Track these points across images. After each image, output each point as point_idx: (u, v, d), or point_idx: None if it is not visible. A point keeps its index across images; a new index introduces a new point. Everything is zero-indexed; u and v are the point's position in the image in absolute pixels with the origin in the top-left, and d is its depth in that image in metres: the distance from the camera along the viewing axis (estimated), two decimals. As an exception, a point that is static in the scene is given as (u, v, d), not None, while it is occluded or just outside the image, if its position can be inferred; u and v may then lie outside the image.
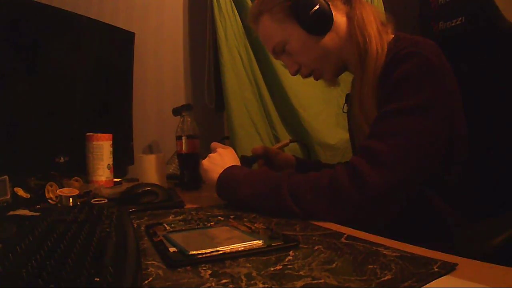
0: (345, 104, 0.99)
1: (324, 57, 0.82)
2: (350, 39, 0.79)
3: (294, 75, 0.89)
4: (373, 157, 0.63)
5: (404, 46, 0.69)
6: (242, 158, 1.01)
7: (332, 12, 0.79)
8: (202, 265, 0.40)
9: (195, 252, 0.43)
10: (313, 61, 0.84)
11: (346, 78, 0.91)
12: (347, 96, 0.98)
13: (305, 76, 0.88)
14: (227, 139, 1.56)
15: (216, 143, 0.90)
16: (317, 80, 0.90)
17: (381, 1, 1.87)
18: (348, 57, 0.82)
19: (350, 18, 0.79)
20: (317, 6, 0.77)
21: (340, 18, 0.80)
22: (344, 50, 0.82)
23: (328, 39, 0.80)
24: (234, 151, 0.87)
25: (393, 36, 0.77)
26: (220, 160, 0.82)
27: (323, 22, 0.79)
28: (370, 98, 0.72)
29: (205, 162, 0.83)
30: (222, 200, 0.79)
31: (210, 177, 0.81)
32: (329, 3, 0.79)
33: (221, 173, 0.78)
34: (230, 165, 0.80)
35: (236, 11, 1.62)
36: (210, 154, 0.85)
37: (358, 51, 0.75)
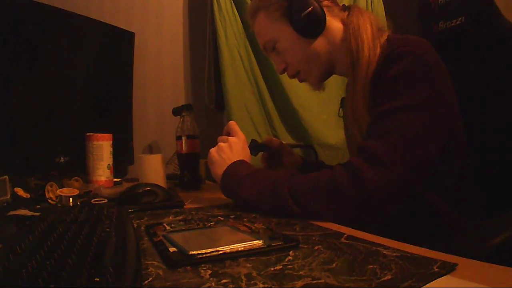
0: (341, 108, 0.99)
1: (311, 59, 0.83)
2: (343, 44, 0.80)
3: (281, 74, 0.91)
4: (370, 156, 0.63)
5: (397, 46, 0.70)
6: (252, 142, 1.01)
7: (327, 17, 0.80)
8: (202, 265, 0.40)
9: (195, 252, 0.43)
10: (299, 62, 0.85)
11: (344, 81, 0.91)
12: (342, 100, 0.99)
13: (292, 76, 0.89)
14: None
15: (234, 125, 0.87)
16: (301, 82, 0.91)
17: (381, 1, 1.88)
18: (338, 62, 0.84)
19: (346, 25, 0.80)
20: (310, 9, 0.78)
21: (335, 24, 0.82)
22: (334, 55, 0.83)
23: (318, 43, 0.82)
24: (245, 140, 0.85)
25: (386, 37, 0.77)
26: (229, 152, 0.81)
27: (314, 25, 0.80)
28: (361, 103, 0.73)
29: (214, 153, 0.82)
30: (225, 196, 0.79)
31: (215, 171, 0.81)
32: (324, 8, 0.80)
33: (225, 170, 0.78)
34: (237, 159, 0.79)
35: (236, 11, 1.62)
36: (220, 144, 0.83)
37: (350, 57, 0.76)
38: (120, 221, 0.54)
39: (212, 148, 0.84)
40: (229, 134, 0.87)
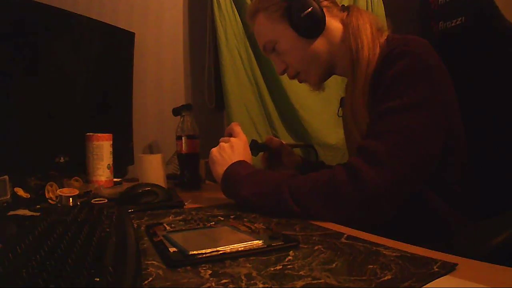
0: (340, 108, 0.99)
1: (311, 60, 0.84)
2: (342, 45, 0.80)
3: (281, 75, 0.91)
4: (370, 156, 0.63)
5: (396, 46, 0.70)
6: (252, 142, 1.02)
7: (326, 17, 0.80)
8: (202, 265, 0.40)
9: (195, 252, 0.43)
10: (299, 63, 0.85)
11: (344, 81, 0.91)
12: (342, 100, 0.99)
13: (292, 77, 0.90)
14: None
15: (236, 126, 0.88)
16: (301, 82, 0.91)
17: (381, 1, 1.88)
18: (338, 62, 0.84)
19: (345, 25, 0.80)
20: (309, 10, 0.78)
21: (334, 24, 0.82)
22: (334, 55, 0.83)
23: (318, 43, 0.82)
24: (246, 141, 0.86)
25: (386, 37, 0.77)
26: (231, 152, 0.81)
27: (314, 25, 0.80)
28: (360, 103, 0.73)
29: (215, 152, 0.83)
30: (225, 196, 0.79)
31: (216, 171, 0.81)
32: (323, 8, 0.80)
33: (226, 169, 0.78)
34: (238, 160, 0.80)
35: (236, 11, 1.62)
36: (222, 144, 0.84)
37: (350, 58, 0.76)
38: (120, 221, 0.54)
39: (214, 148, 0.84)
40: (231, 135, 0.87)
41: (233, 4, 1.61)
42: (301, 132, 1.70)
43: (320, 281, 0.35)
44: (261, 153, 1.08)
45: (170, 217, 0.68)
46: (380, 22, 0.80)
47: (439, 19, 0.93)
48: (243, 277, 0.36)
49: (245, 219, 0.63)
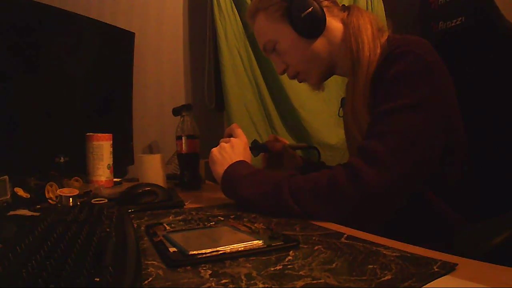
0: (341, 108, 0.99)
1: (311, 60, 0.84)
2: (343, 45, 0.80)
3: (281, 75, 0.91)
4: (370, 156, 0.63)
5: (397, 46, 0.70)
6: (254, 142, 1.01)
7: (326, 17, 0.80)
8: (202, 265, 0.40)
9: (195, 252, 0.43)
10: (299, 63, 0.86)
11: (344, 81, 0.92)
12: (342, 100, 0.99)
13: (292, 77, 0.90)
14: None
15: (237, 127, 0.88)
16: (300, 82, 0.91)
17: (381, 1, 1.88)
18: (338, 62, 0.84)
19: (346, 25, 0.81)
20: (310, 10, 0.78)
21: (335, 24, 0.82)
22: (334, 55, 0.83)
23: (319, 44, 0.82)
24: (247, 142, 0.87)
25: (386, 37, 0.77)
26: (231, 152, 0.81)
27: (314, 26, 0.80)
28: (361, 103, 0.73)
29: (215, 152, 0.83)
30: (225, 196, 0.79)
31: (216, 171, 0.81)
32: (324, 8, 0.80)
33: (226, 169, 0.78)
34: (238, 159, 0.80)
35: (236, 11, 1.62)
36: (222, 144, 0.84)
37: (351, 58, 0.76)
38: (120, 221, 0.54)
39: (214, 148, 0.84)
40: (231, 136, 0.87)
41: (233, 4, 1.61)
42: (301, 132, 1.70)
43: (320, 281, 0.35)
44: (261, 154, 1.08)
45: (170, 217, 0.68)
46: (380, 22, 0.80)
47: (439, 19, 0.93)
48: (243, 277, 0.36)
49: (245, 219, 0.63)
